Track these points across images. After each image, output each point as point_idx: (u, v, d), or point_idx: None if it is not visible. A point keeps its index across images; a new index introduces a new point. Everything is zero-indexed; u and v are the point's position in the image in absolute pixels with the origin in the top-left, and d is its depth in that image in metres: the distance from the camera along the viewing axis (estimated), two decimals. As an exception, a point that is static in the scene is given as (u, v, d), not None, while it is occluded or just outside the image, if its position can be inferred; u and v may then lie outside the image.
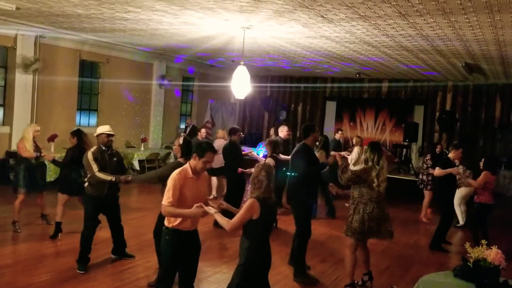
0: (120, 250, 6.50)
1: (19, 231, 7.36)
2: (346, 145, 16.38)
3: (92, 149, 6.03)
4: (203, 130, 11.44)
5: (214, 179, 10.94)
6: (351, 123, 16.98)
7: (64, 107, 12.11)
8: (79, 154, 6.73)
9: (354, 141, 12.05)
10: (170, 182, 4.23)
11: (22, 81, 10.91)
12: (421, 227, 9.87)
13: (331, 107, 17.57)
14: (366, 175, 5.53)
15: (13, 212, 7.43)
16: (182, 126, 16.34)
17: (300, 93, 18.08)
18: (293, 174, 6.36)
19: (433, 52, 9.62)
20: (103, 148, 6.07)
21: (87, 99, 13.22)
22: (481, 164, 7.90)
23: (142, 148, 13.62)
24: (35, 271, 5.84)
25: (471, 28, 7.08)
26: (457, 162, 9.55)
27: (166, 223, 4.37)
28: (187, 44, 11.16)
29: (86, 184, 6.04)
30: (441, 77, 14.23)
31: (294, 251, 6.36)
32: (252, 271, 4.08)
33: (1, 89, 10.96)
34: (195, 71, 16.47)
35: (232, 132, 8.90)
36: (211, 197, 10.54)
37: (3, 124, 10.95)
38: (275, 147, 8.48)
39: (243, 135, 18.35)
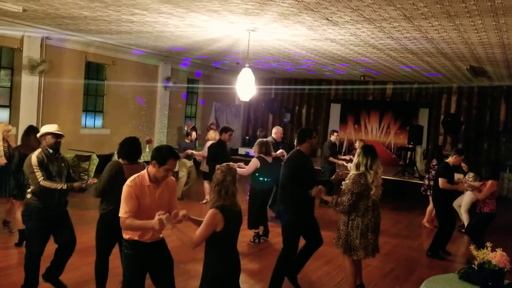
0: (55, 275, 5.29)
1: (13, 231, 7.23)
2: (350, 148, 16.43)
3: (36, 153, 4.96)
4: (193, 134, 10.98)
5: (206, 184, 10.23)
6: (356, 126, 16.98)
7: (70, 109, 12.16)
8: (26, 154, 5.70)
9: (357, 144, 11.50)
10: (124, 191, 3.78)
11: (28, 83, 10.97)
12: (425, 230, 9.85)
13: (335, 110, 17.58)
14: (363, 186, 5.03)
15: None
16: (186, 128, 16.39)
17: (304, 95, 18.10)
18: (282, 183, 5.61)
19: (438, 55, 9.62)
20: (50, 151, 5.03)
21: (93, 101, 13.27)
22: (484, 170, 7.77)
23: (147, 150, 13.65)
24: (41, 271, 5.84)
25: (476, 31, 7.09)
26: (465, 168, 9.46)
27: (124, 235, 3.90)
28: (193, 47, 11.21)
29: (29, 195, 4.94)
30: (446, 79, 14.22)
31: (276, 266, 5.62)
32: (220, 285, 3.71)
33: (7, 91, 11.02)
34: (200, 73, 16.51)
35: (223, 130, 8.56)
36: (204, 201, 10.23)
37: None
38: (261, 147, 7.76)
39: (245, 136, 18.48)
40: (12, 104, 11.02)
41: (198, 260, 4.64)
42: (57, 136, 5.04)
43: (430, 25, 6.87)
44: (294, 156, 5.61)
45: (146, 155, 12.98)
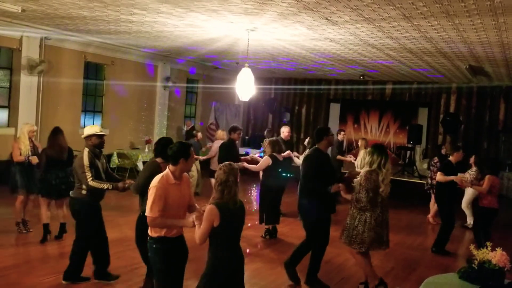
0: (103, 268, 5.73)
1: (24, 231, 7.37)
2: (350, 147, 16.44)
3: (86, 153, 5.45)
4: (199, 134, 11.36)
5: (213, 181, 10.60)
6: (355, 125, 16.98)
7: (69, 109, 12.15)
8: (55, 155, 6.81)
9: (359, 143, 11.83)
10: (152, 191, 3.95)
11: (27, 83, 10.96)
12: (425, 229, 9.85)
13: (335, 109, 17.58)
14: (375, 182, 5.30)
15: (15, 214, 7.44)
16: (185, 128, 16.38)
17: (304, 95, 18.10)
18: (302, 179, 6.02)
19: (437, 55, 9.62)
20: (96, 150, 5.57)
21: (92, 101, 13.27)
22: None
23: (146, 150, 13.65)
24: (40, 271, 5.86)
25: (475, 30, 7.09)
26: (472, 162, 9.53)
27: (150, 233, 4.09)
28: (192, 46, 11.20)
29: (84, 192, 5.44)
30: (445, 79, 14.23)
31: (295, 254, 6.02)
32: (218, 280, 3.83)
33: (6, 91, 11.01)
34: (199, 73, 16.51)
35: (232, 130, 8.71)
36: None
37: (8, 126, 10.98)
38: (274, 146, 8.19)
39: (245, 136, 18.47)
40: (11, 105, 11.01)
41: (196, 260, 4.72)
42: (100, 136, 5.56)
43: (429, 24, 6.87)
44: (313, 154, 6.00)
45: (145, 155, 13.00)
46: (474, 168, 9.31)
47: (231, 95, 17.11)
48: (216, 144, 10.30)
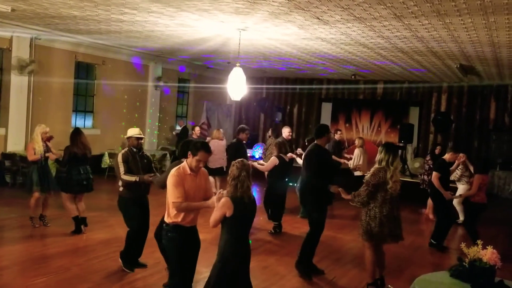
0: (135, 257, 6.21)
1: (36, 226, 7.70)
2: (342, 146, 16.44)
3: (123, 151, 6.12)
4: (197, 129, 11.43)
5: (211, 179, 10.64)
6: (347, 125, 17.01)
7: (60, 109, 12.08)
8: (79, 152, 7.39)
9: (356, 142, 11.87)
10: (170, 180, 4.34)
11: (18, 83, 10.88)
12: (416, 228, 9.89)
13: (326, 109, 17.60)
14: (381, 179, 5.40)
15: (30, 210, 7.72)
16: (179, 127, 16.34)
17: (296, 94, 18.11)
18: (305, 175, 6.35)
19: (428, 54, 9.66)
20: (134, 150, 6.15)
21: (83, 101, 13.20)
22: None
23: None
24: (32, 272, 5.81)
25: (465, 30, 7.12)
26: (460, 160, 9.64)
27: (166, 219, 4.45)
28: (183, 46, 11.17)
29: (121, 189, 6.02)
30: (436, 78, 14.29)
31: (304, 251, 6.37)
32: (228, 268, 4.13)
33: (-4, 91, 10.93)
34: (191, 73, 16.47)
35: (240, 130, 9.00)
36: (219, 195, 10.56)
37: (-1, 126, 10.91)
38: (281, 147, 8.57)
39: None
40: (1, 105, 10.92)
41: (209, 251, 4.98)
42: (138, 138, 6.17)
43: (420, 23, 6.90)
44: (313, 150, 6.28)
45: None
46: (460, 166, 9.46)
47: (223, 95, 17.10)
48: (212, 144, 10.27)
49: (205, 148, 4.43)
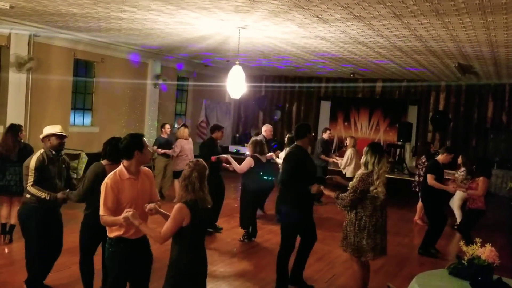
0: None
1: None
2: (340, 145, 16.49)
3: (38, 155, 4.99)
4: (167, 126, 10.78)
5: (177, 183, 9.80)
6: (346, 123, 17.04)
7: (58, 106, 12.06)
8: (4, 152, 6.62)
9: (347, 141, 11.55)
10: (103, 188, 3.78)
11: (16, 80, 10.84)
12: (415, 226, 9.93)
13: (325, 107, 17.63)
14: (369, 185, 4.98)
15: None
16: (177, 126, 16.34)
17: (294, 93, 18.13)
18: (282, 179, 5.68)
19: (426, 53, 9.68)
20: (53, 152, 5.04)
21: (82, 99, 13.17)
22: (474, 168, 7.93)
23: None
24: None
25: (464, 29, 7.14)
26: (460, 162, 9.58)
27: (108, 233, 3.91)
28: (182, 44, 11.17)
29: (27, 195, 5.00)
30: (435, 77, 14.32)
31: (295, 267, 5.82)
32: (184, 282, 3.71)
33: (-6, 88, 10.91)
34: (190, 71, 16.46)
35: (215, 128, 8.32)
36: (175, 200, 10.08)
37: (-3, 124, 10.89)
38: (255, 146, 7.85)
39: (236, 134, 18.46)
40: (0, 102, 10.90)
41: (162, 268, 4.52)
42: (61, 137, 5.06)
43: (419, 23, 6.91)
44: (294, 152, 5.62)
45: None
46: (462, 169, 9.36)
47: (222, 93, 17.09)
48: (179, 143, 10.02)
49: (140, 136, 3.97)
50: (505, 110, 14.62)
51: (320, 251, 7.28)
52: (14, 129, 6.80)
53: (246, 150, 9.86)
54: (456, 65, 10.79)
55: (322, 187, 5.39)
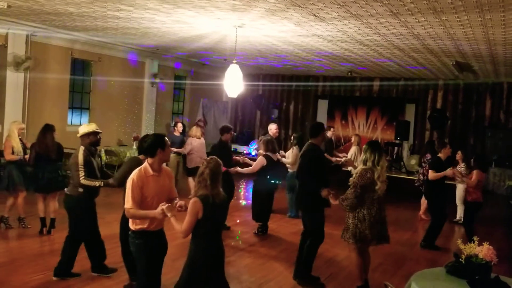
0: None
1: (29, 226, 7.57)
2: (338, 143, 16.49)
3: (82, 151, 5.62)
4: (179, 125, 11.04)
5: (191, 180, 10.07)
6: (343, 122, 17.04)
7: (56, 105, 12.04)
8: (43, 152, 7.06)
9: (352, 139, 11.87)
10: (128, 183, 4.10)
11: (13, 79, 10.83)
12: (412, 224, 9.94)
13: (323, 106, 17.61)
14: (368, 180, 5.25)
15: (18, 210, 7.56)
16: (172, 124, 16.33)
17: (292, 91, 18.11)
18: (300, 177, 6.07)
19: (424, 51, 9.68)
20: (93, 148, 5.77)
21: (79, 97, 13.15)
22: (472, 162, 8.09)
23: (134, 147, 13.56)
24: (29, 269, 5.82)
25: (461, 27, 7.14)
26: (458, 158, 9.68)
27: (131, 226, 4.21)
28: (179, 43, 11.15)
29: (80, 190, 5.59)
30: (432, 75, 14.33)
31: (300, 255, 6.06)
32: (200, 271, 3.96)
33: (-8, 88, 10.88)
34: (187, 70, 16.44)
35: (224, 131, 8.38)
36: (190, 197, 10.29)
37: (-6, 123, 10.86)
38: (268, 145, 8.25)
39: (234, 133, 18.44)
40: (-3, 102, 10.88)
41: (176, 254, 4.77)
42: (97, 134, 5.79)
43: (417, 21, 6.91)
44: (310, 149, 5.98)
45: (133, 152, 12.92)
46: (462, 164, 9.47)
47: (219, 92, 17.08)
48: (190, 141, 10.25)
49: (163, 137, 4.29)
50: (503, 108, 14.61)
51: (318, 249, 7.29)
52: (51, 129, 7.26)
53: (254, 149, 9.94)
54: (454, 63, 10.79)
55: (332, 194, 5.66)
